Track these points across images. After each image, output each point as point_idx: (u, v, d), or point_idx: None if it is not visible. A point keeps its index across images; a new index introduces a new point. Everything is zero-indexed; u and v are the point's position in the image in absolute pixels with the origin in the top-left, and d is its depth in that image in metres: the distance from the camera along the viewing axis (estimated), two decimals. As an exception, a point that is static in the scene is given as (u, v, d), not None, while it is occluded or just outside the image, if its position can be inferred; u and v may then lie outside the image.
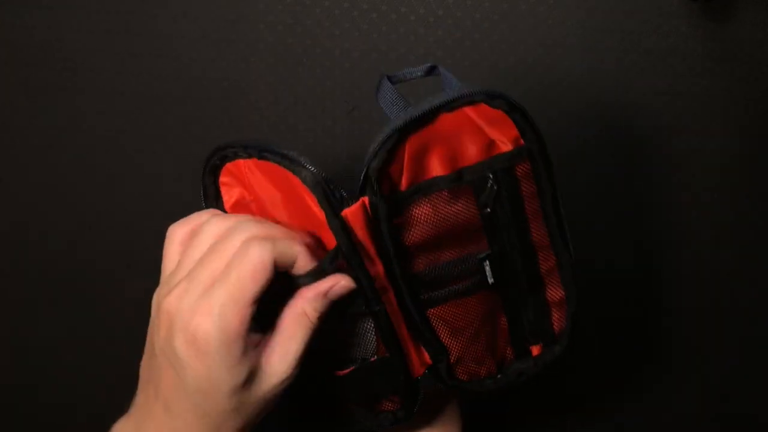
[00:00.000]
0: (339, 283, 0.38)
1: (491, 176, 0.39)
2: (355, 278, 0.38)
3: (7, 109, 0.63)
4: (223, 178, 0.42)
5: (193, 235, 0.39)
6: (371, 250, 0.39)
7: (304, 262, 0.37)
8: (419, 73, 0.43)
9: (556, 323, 0.43)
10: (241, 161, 0.41)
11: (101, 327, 0.65)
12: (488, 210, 0.40)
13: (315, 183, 0.37)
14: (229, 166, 0.41)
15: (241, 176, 0.41)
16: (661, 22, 0.59)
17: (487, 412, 0.64)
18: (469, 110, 0.39)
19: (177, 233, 0.39)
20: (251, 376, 0.36)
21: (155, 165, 0.63)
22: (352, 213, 0.38)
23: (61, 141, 0.63)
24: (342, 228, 0.37)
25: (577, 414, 0.65)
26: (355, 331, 0.41)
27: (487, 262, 0.41)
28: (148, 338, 0.38)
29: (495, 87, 0.39)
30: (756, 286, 0.62)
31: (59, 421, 0.67)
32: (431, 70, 0.43)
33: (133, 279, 0.63)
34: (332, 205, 0.37)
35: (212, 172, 0.42)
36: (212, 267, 0.36)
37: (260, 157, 0.39)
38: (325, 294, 0.37)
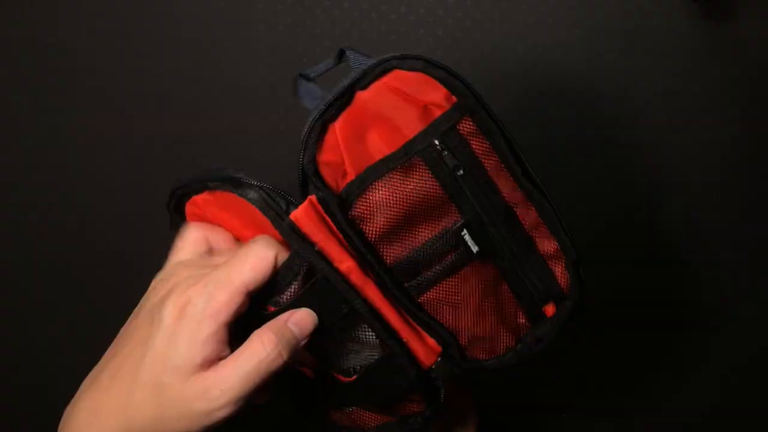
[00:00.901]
0: (297, 312, 0.37)
1: (437, 143, 0.38)
2: (322, 277, 0.37)
3: (7, 109, 0.63)
4: (189, 219, 0.42)
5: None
6: (335, 247, 0.37)
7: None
8: (331, 63, 0.42)
9: (560, 277, 0.41)
10: (196, 197, 0.41)
11: (102, 327, 0.64)
12: (447, 177, 0.38)
13: (256, 196, 0.38)
14: (189, 206, 0.41)
15: (202, 214, 0.41)
16: (661, 22, 0.59)
17: (490, 414, 0.64)
18: (388, 80, 0.38)
19: (192, 232, 0.41)
20: (198, 375, 0.35)
21: (155, 165, 0.63)
22: (301, 214, 0.37)
23: (61, 141, 0.63)
24: (291, 229, 0.36)
25: (577, 414, 0.65)
26: (357, 341, 0.40)
27: (465, 231, 0.39)
28: (134, 312, 0.39)
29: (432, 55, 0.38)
30: (756, 286, 0.62)
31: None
32: (341, 56, 0.41)
33: (133, 279, 0.63)
34: (277, 212, 0.37)
35: (177, 210, 0.42)
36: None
37: (207, 189, 0.40)
38: (285, 322, 0.37)
